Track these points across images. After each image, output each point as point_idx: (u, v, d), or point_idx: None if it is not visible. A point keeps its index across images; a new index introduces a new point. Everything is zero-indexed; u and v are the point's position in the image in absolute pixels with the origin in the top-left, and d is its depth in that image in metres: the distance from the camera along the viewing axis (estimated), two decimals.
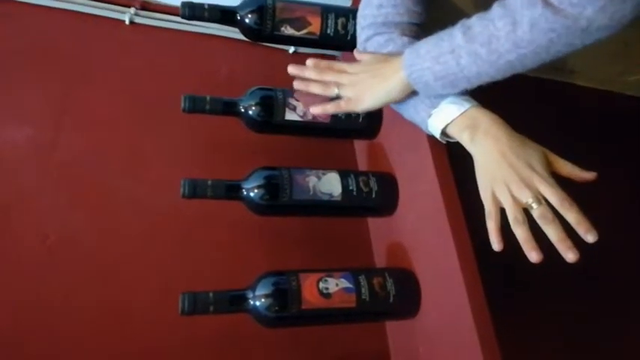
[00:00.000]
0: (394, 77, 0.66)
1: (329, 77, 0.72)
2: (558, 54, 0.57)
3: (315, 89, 0.72)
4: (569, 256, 0.55)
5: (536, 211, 0.57)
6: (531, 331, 0.86)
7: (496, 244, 0.58)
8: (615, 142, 1.10)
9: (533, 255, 0.56)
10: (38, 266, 0.75)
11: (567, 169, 0.60)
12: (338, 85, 0.71)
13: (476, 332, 0.60)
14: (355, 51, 0.75)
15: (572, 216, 0.56)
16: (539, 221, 0.57)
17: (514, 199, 0.58)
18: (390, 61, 0.68)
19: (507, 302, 0.68)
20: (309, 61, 0.73)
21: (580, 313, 0.92)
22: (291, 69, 0.73)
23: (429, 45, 0.63)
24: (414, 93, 0.68)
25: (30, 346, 0.71)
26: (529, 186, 0.58)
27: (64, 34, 0.95)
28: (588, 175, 0.60)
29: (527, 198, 0.57)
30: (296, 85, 0.74)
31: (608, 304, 0.96)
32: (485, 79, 0.61)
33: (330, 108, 0.72)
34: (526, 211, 0.58)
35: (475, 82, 0.62)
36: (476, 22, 0.60)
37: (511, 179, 0.59)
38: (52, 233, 0.78)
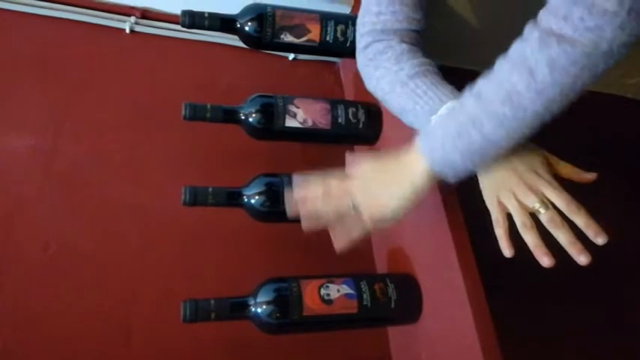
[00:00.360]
0: (415, 173, 0.59)
1: (341, 206, 0.63)
2: (584, 86, 0.53)
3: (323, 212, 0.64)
4: (581, 259, 0.55)
5: (544, 216, 0.57)
6: (533, 335, 0.86)
7: (507, 250, 0.58)
8: (615, 144, 1.10)
9: (545, 260, 0.56)
10: (40, 274, 0.75)
11: (568, 170, 0.60)
12: (352, 201, 0.63)
13: (477, 337, 0.60)
14: (348, 155, 0.67)
15: (580, 219, 0.56)
16: (547, 226, 0.57)
17: (520, 204, 0.58)
18: (399, 158, 0.62)
19: (509, 307, 0.68)
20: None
21: (583, 317, 0.92)
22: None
23: (442, 125, 0.58)
24: (417, 100, 0.66)
25: (32, 354, 0.71)
26: (535, 191, 0.58)
27: (64, 43, 0.96)
28: (589, 176, 0.60)
29: (533, 203, 0.57)
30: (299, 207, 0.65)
31: (610, 307, 0.95)
32: (516, 140, 0.55)
33: (355, 235, 0.64)
34: (533, 216, 0.58)
35: (505, 146, 0.56)
36: (484, 85, 0.56)
37: (516, 185, 0.59)
38: (53, 242, 0.78)
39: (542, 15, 0.53)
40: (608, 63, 0.51)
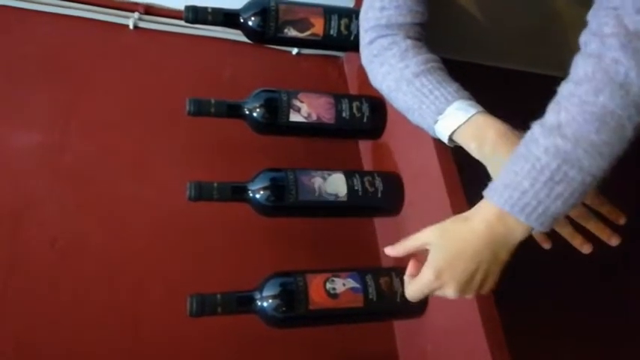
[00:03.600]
0: (509, 235, 0.52)
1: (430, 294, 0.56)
2: None
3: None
4: (612, 241, 0.59)
5: (573, 212, 0.59)
6: (540, 328, 0.86)
7: (545, 244, 0.62)
8: None
9: (585, 248, 0.59)
10: (48, 269, 0.76)
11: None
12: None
13: (483, 330, 0.60)
14: (390, 249, 0.60)
15: (604, 209, 0.59)
16: (577, 220, 0.60)
17: None
18: (469, 229, 0.53)
19: (515, 300, 0.68)
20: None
21: (591, 310, 0.92)
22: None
23: (526, 174, 0.49)
24: (423, 99, 0.66)
25: (41, 348, 0.71)
26: None
27: (69, 40, 0.96)
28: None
29: None
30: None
31: (619, 300, 0.95)
32: (616, 159, 0.49)
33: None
34: None
35: (607, 171, 0.49)
36: (562, 116, 0.49)
37: None
38: (61, 237, 0.78)
39: (601, 16, 0.48)
40: None
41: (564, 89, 0.50)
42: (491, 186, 0.53)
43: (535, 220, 0.50)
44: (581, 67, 0.48)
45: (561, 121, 0.48)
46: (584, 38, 0.50)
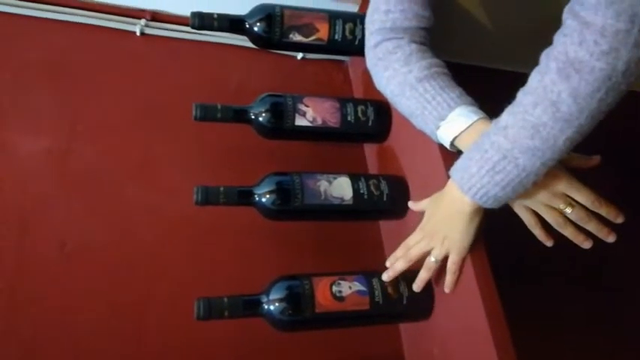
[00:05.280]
0: (463, 207, 0.63)
1: (415, 253, 0.69)
2: (610, 107, 0.53)
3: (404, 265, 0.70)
4: (610, 239, 0.61)
5: (572, 215, 0.62)
6: (546, 330, 0.85)
7: (548, 242, 0.64)
8: (619, 138, 1.09)
9: (587, 244, 0.62)
10: (56, 272, 0.77)
11: (577, 161, 0.64)
12: (431, 254, 0.68)
13: (490, 332, 0.60)
14: (410, 204, 0.75)
15: (602, 210, 0.61)
16: (577, 222, 0.62)
17: (548, 207, 0.62)
18: (444, 197, 0.66)
19: (521, 301, 0.69)
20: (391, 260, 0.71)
21: (597, 313, 0.92)
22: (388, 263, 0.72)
23: (476, 161, 0.59)
24: (426, 105, 0.68)
25: (49, 351, 0.72)
26: (557, 194, 0.61)
27: (76, 46, 0.97)
28: (594, 161, 0.64)
29: (558, 205, 0.62)
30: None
31: (626, 300, 0.95)
32: (554, 162, 0.57)
33: (450, 281, 0.68)
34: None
35: (544, 171, 0.58)
36: (509, 119, 0.57)
37: (538, 193, 0.62)
38: (68, 240, 0.79)
39: (558, 40, 0.54)
40: (630, 80, 0.52)
41: (518, 95, 0.57)
42: (454, 166, 0.63)
43: (479, 199, 0.60)
44: (531, 79, 0.56)
45: (507, 124, 0.57)
46: (542, 54, 0.56)
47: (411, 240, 0.70)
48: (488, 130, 0.59)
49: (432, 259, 0.68)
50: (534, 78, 0.55)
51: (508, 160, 0.57)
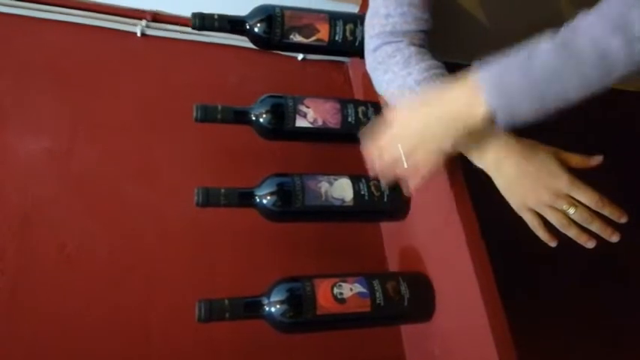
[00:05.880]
0: (470, 113, 0.57)
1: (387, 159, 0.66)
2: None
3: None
4: (613, 238, 0.61)
5: (575, 216, 0.61)
6: (547, 331, 0.85)
7: (551, 242, 0.63)
8: (621, 138, 1.09)
9: (590, 244, 0.62)
10: (56, 274, 0.77)
11: (578, 161, 0.63)
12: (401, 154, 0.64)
13: (491, 334, 0.60)
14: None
15: (605, 210, 0.60)
16: (580, 222, 0.61)
17: (551, 209, 0.62)
18: (445, 95, 0.60)
19: (522, 303, 0.69)
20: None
21: (597, 313, 0.92)
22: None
23: (518, 71, 0.55)
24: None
25: (50, 353, 0.72)
26: (560, 195, 0.61)
27: (77, 47, 0.97)
28: (595, 161, 0.63)
29: (561, 206, 0.61)
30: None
31: (626, 303, 0.95)
32: (585, 96, 0.54)
33: (413, 184, 0.66)
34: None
35: (575, 102, 0.54)
36: (574, 38, 0.53)
37: (541, 194, 0.61)
38: (69, 242, 0.79)
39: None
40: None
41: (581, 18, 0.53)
42: (483, 67, 0.57)
43: (500, 108, 0.55)
44: (605, 3, 0.52)
45: (569, 42, 0.52)
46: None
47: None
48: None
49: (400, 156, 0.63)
50: (609, 3, 0.52)
51: (558, 80, 0.53)
